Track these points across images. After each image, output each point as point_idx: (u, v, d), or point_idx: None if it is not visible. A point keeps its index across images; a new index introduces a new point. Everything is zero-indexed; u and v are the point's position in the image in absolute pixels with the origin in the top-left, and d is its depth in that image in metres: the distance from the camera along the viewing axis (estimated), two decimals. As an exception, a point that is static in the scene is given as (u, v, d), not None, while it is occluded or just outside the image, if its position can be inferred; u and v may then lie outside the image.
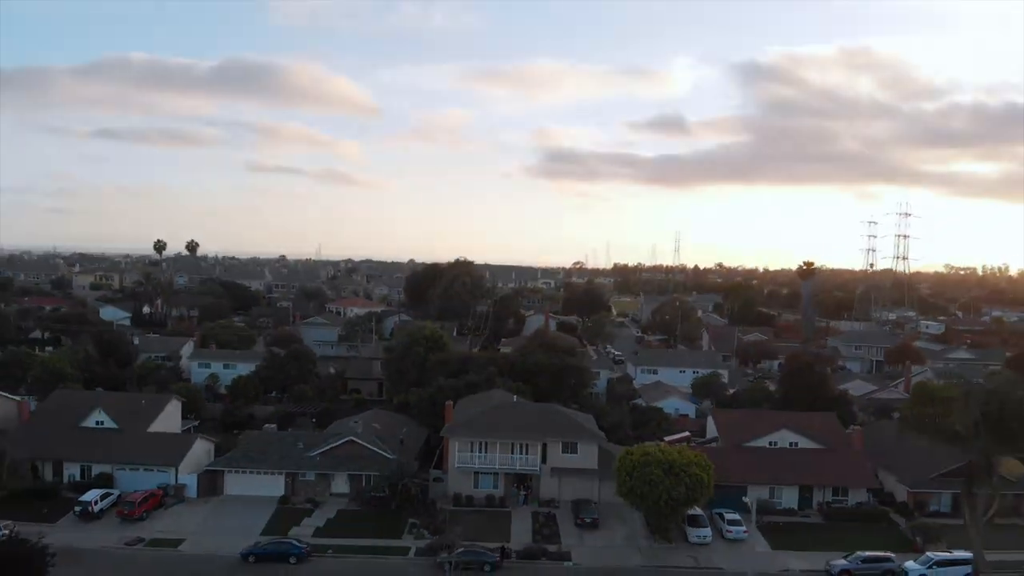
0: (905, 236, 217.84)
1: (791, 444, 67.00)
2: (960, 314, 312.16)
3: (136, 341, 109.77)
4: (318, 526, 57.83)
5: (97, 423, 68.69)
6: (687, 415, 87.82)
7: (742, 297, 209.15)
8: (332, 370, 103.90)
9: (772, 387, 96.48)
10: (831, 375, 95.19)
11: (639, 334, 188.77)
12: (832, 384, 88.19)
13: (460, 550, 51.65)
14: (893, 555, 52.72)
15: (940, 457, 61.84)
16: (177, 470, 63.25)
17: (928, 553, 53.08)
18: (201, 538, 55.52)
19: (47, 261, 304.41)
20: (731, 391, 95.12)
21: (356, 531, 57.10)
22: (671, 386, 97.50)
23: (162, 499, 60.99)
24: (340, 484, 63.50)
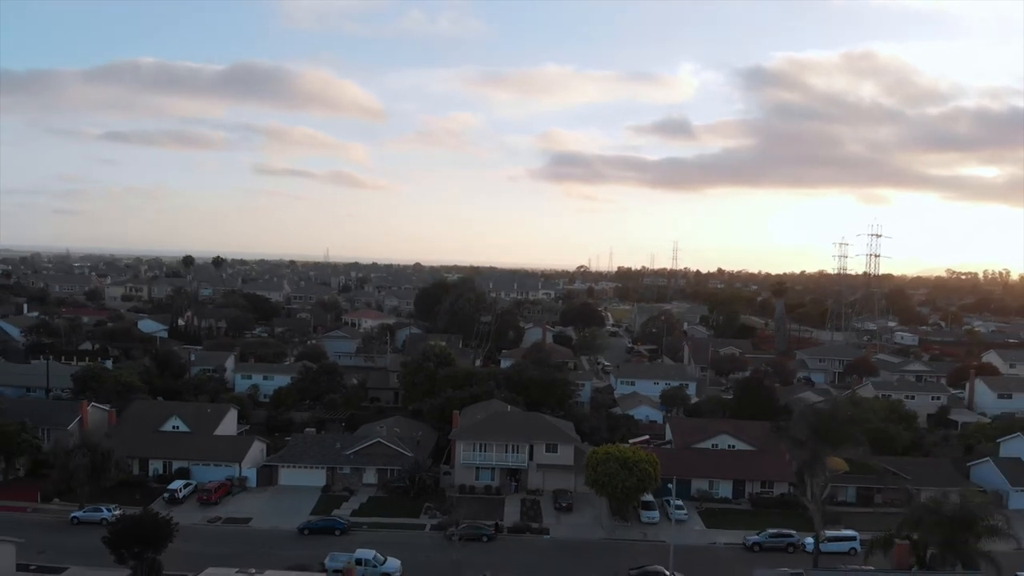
0: (876, 255, 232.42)
1: (729, 446, 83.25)
2: (943, 324, 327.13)
3: (192, 357, 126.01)
4: (354, 508, 74.27)
5: (173, 427, 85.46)
6: (656, 421, 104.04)
7: (726, 310, 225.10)
8: (355, 381, 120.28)
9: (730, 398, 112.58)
10: (777, 389, 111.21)
11: (630, 345, 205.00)
12: (776, 397, 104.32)
13: (463, 525, 68.01)
14: (795, 532, 68.78)
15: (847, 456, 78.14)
16: (240, 465, 79.88)
17: (828, 531, 69.17)
18: (265, 517, 72.02)
19: (81, 273, 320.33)
20: (694, 401, 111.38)
21: (383, 512, 73.57)
22: (644, 396, 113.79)
23: (230, 488, 77.57)
24: (370, 476, 80.00)
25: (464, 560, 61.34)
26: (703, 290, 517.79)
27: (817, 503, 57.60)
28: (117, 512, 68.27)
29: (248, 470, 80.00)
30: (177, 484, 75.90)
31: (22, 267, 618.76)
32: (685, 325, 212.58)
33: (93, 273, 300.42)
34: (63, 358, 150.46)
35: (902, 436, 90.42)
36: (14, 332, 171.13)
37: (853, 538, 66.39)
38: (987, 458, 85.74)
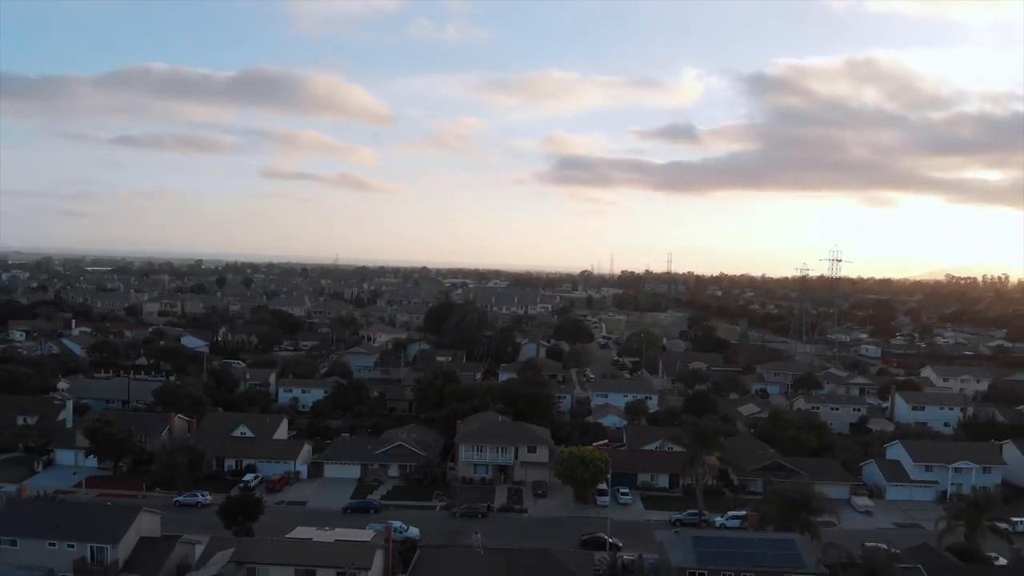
0: (836, 277, 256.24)
1: (668, 448, 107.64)
2: (916, 335, 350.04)
3: (248, 376, 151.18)
4: (382, 494, 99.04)
5: (241, 433, 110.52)
6: (620, 427, 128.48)
7: (703, 326, 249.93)
8: (376, 393, 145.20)
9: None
10: (718, 401, 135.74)
11: (616, 358, 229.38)
12: (716, 408, 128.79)
13: (464, 506, 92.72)
14: (707, 512, 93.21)
15: (757, 458, 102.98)
16: (295, 462, 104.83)
17: (730, 512, 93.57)
18: (316, 500, 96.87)
19: (115, 289, 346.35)
20: (652, 411, 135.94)
21: (404, 496, 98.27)
22: (614, 407, 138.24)
23: (289, 479, 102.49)
24: (393, 471, 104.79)
25: (463, 530, 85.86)
26: (698, 299, 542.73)
27: (698, 487, 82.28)
28: (209, 497, 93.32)
29: (301, 466, 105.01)
30: (249, 476, 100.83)
31: (39, 272, 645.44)
32: (664, 340, 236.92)
33: (132, 290, 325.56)
34: (120, 372, 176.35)
35: (811, 441, 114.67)
36: (75, 348, 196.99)
37: (744, 516, 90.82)
38: (872, 460, 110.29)
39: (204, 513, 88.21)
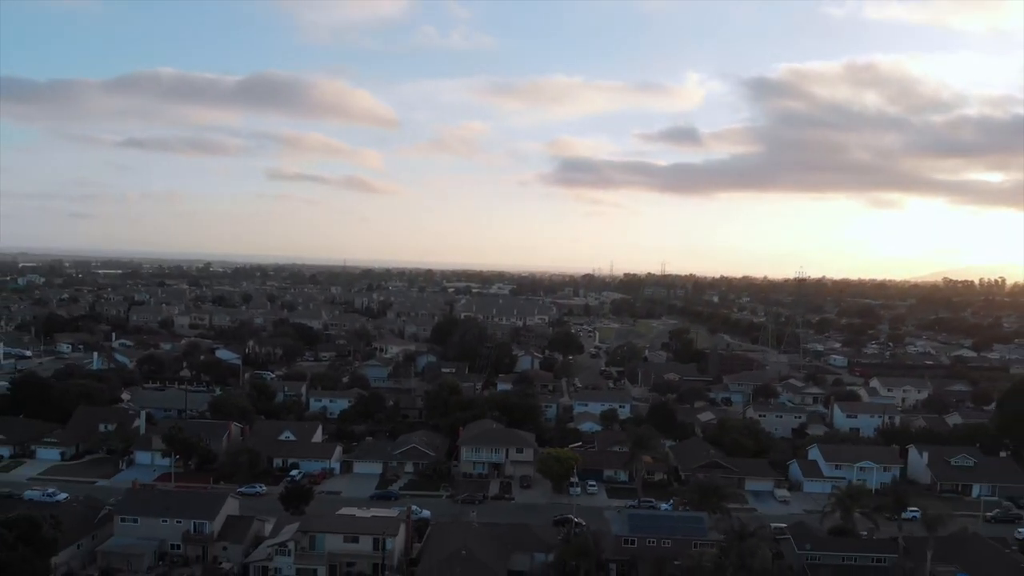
0: (802, 281, 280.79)
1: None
2: (891, 344, 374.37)
3: (285, 388, 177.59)
4: (400, 486, 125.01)
5: (286, 437, 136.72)
6: (594, 433, 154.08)
7: (682, 339, 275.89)
8: (391, 403, 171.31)
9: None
10: (679, 409, 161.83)
11: (603, 368, 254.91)
12: (675, 416, 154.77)
13: (464, 495, 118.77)
14: (654, 500, 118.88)
15: (701, 457, 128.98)
16: (330, 461, 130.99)
17: (673, 498, 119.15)
18: (349, 491, 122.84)
19: (145, 303, 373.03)
20: (623, 418, 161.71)
21: (417, 488, 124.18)
22: (592, 414, 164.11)
23: (326, 474, 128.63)
24: (408, 467, 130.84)
25: (464, 513, 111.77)
26: (692, 306, 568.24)
27: (638, 479, 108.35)
28: (264, 488, 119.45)
29: (334, 463, 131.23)
30: (294, 472, 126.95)
31: (52, 275, 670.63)
32: (647, 351, 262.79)
33: (163, 304, 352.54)
34: (166, 383, 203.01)
35: (749, 444, 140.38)
36: (126, 361, 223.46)
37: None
38: (795, 459, 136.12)
39: (262, 500, 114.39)
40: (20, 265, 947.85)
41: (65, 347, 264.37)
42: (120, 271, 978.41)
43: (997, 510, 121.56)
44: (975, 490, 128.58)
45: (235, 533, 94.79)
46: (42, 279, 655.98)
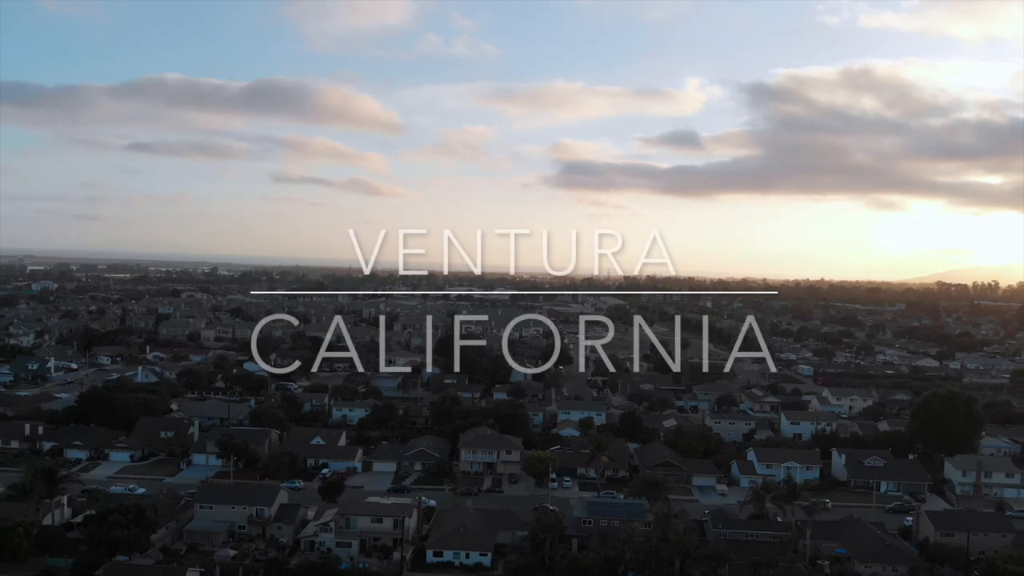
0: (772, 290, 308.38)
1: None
2: (862, 353, 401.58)
3: (312, 400, 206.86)
4: (411, 481, 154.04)
5: (316, 442, 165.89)
6: (572, 437, 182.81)
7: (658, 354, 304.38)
8: (401, 411, 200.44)
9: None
10: (645, 416, 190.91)
11: (590, 378, 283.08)
12: (643, 422, 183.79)
13: (463, 489, 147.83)
14: (614, 492, 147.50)
15: (657, 458, 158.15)
16: (353, 460, 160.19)
17: (625, 489, 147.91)
18: (369, 485, 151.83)
19: (172, 316, 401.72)
20: (598, 425, 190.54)
21: (425, 483, 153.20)
22: (572, 421, 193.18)
23: (350, 472, 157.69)
24: (417, 467, 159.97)
25: (462, 502, 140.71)
26: (686, 312, 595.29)
27: (598, 476, 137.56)
28: (302, 484, 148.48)
29: (357, 463, 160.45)
30: (325, 471, 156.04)
31: (63, 280, 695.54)
32: (629, 362, 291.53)
33: (189, 319, 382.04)
34: (203, 394, 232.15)
35: (699, 447, 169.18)
36: (164, 373, 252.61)
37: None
38: (734, 460, 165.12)
39: (300, 493, 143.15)
40: (28, 269, 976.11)
41: (105, 359, 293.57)
42: (128, 275, 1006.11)
43: (896, 503, 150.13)
44: (883, 486, 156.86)
45: (287, 516, 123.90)
46: (55, 285, 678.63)
